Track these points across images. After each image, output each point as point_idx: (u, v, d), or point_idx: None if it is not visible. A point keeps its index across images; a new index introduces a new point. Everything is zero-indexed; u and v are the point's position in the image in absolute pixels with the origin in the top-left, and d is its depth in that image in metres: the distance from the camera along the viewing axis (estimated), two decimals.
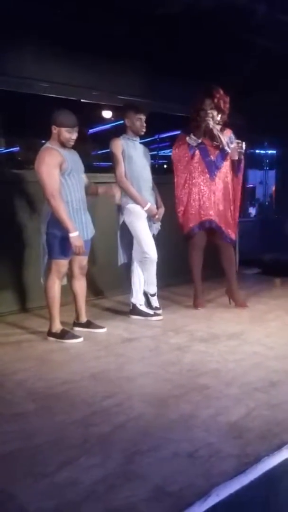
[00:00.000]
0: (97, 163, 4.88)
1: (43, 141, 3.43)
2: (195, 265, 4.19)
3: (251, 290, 4.93)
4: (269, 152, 10.85)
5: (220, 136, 4.04)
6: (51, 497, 1.68)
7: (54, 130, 3.29)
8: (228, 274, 4.25)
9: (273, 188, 11.53)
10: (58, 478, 1.78)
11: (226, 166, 4.13)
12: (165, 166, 12.13)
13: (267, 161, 11.41)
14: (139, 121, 3.82)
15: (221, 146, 4.05)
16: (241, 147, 4.08)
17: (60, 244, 3.31)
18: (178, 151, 4.12)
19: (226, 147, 4.06)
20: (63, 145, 3.32)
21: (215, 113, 3.98)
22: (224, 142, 4.05)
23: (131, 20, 4.37)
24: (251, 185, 11.30)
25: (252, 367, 2.84)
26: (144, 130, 3.87)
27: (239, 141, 4.11)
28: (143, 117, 3.82)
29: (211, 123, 3.96)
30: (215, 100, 3.98)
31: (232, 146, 4.09)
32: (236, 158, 4.13)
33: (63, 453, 1.94)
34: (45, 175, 3.21)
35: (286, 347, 3.19)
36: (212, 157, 4.08)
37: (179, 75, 5.00)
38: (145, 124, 3.85)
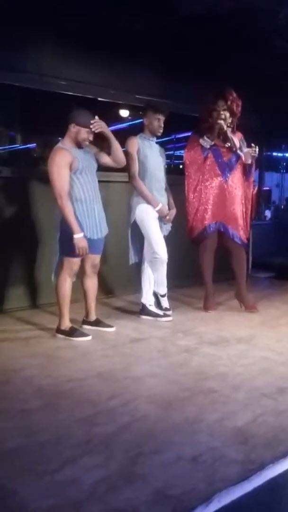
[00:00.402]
0: None
1: (59, 138, 3.44)
2: (206, 267, 4.16)
3: (263, 294, 4.88)
4: (286, 155, 10.75)
5: (234, 138, 4.01)
6: (52, 495, 1.67)
7: (73, 128, 3.30)
8: (238, 277, 4.22)
9: None
10: (60, 477, 1.78)
11: (238, 168, 4.11)
12: (181, 166, 12.10)
13: (284, 164, 11.30)
14: (157, 121, 3.80)
15: (234, 148, 4.02)
16: (255, 151, 4.05)
17: (72, 242, 3.31)
18: (191, 154, 4.09)
19: (238, 150, 4.03)
20: (78, 144, 3.33)
21: (227, 114, 3.95)
22: (238, 145, 4.02)
23: (150, 19, 4.36)
24: (267, 188, 11.20)
25: (261, 372, 2.81)
26: (161, 131, 3.86)
27: (254, 145, 4.07)
28: (161, 118, 3.81)
29: (224, 125, 3.92)
30: (228, 102, 3.95)
31: (245, 150, 4.05)
32: (249, 162, 4.11)
33: (66, 452, 1.94)
34: (55, 175, 3.23)
35: None
36: (225, 159, 4.05)
37: (196, 76, 4.97)
38: (162, 125, 3.84)
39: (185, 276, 4.83)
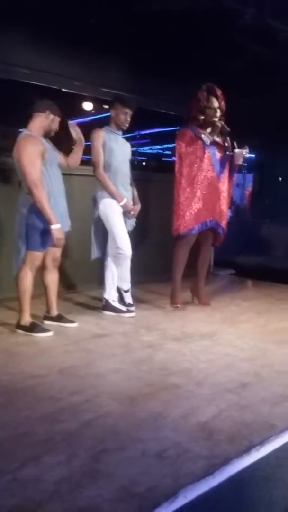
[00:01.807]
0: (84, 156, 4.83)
1: (21, 130, 3.33)
2: (180, 262, 4.12)
3: (224, 291, 4.94)
4: (248, 155, 10.96)
5: (228, 137, 4.05)
6: (13, 495, 1.61)
7: (46, 117, 3.22)
8: (200, 273, 4.25)
9: (247, 191, 11.64)
10: (21, 475, 1.71)
11: (227, 167, 4.14)
12: (143, 163, 12.09)
13: (245, 164, 11.51)
14: (124, 114, 3.76)
15: (229, 148, 4.05)
16: (247, 152, 4.12)
17: (38, 235, 3.23)
18: (190, 148, 3.97)
19: (230, 149, 4.07)
20: (48, 133, 3.26)
21: (219, 112, 3.96)
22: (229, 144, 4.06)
23: (121, 14, 4.31)
24: None
25: (224, 368, 2.83)
26: (127, 125, 3.81)
27: (246, 146, 4.13)
28: (129, 112, 3.76)
29: (222, 123, 3.94)
30: (219, 100, 3.96)
31: (237, 150, 4.08)
32: (240, 162, 4.14)
33: (27, 450, 1.87)
34: (27, 164, 3.12)
35: (257, 349, 3.19)
36: (219, 157, 4.06)
37: (162, 72, 4.96)
38: (129, 120, 3.79)
39: (149, 272, 4.82)
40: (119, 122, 3.78)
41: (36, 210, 3.17)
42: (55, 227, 3.16)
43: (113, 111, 3.79)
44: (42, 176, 3.19)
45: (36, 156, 3.14)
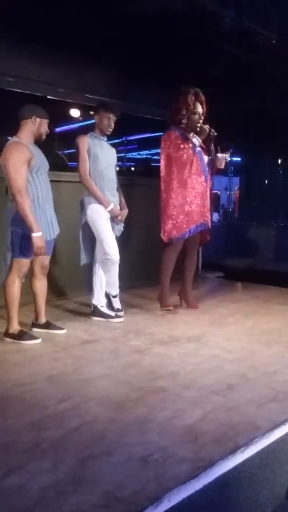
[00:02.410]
0: (71, 163, 4.86)
1: (9, 138, 3.34)
2: (169, 267, 4.13)
3: (212, 294, 4.96)
4: (234, 159, 11.03)
5: (212, 142, 4.08)
6: None
7: (33, 122, 3.23)
8: (187, 276, 4.28)
9: (235, 195, 11.72)
10: (6, 484, 1.72)
11: (210, 170, 4.19)
12: (132, 168, 12.13)
13: (232, 168, 11.59)
14: (107, 120, 3.77)
15: (213, 152, 4.09)
16: (229, 156, 4.17)
17: (23, 243, 3.23)
18: (180, 151, 3.94)
19: (213, 153, 4.11)
20: (38, 138, 3.27)
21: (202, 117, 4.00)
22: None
23: (102, 21, 4.34)
24: (216, 192, 11.46)
25: (211, 370, 2.84)
26: (110, 130, 3.82)
27: (228, 151, 4.17)
28: (112, 117, 3.78)
29: (208, 126, 3.97)
30: (203, 105, 3.99)
31: (220, 155, 4.11)
32: (222, 167, 4.18)
33: (13, 458, 1.88)
34: (12, 170, 3.13)
35: (244, 351, 3.21)
36: (206, 160, 4.10)
37: (147, 78, 5.00)
38: (112, 125, 3.81)
39: (137, 277, 4.83)
40: (102, 127, 3.80)
41: (19, 217, 3.17)
42: (36, 235, 3.16)
43: (97, 116, 3.81)
44: (28, 183, 3.20)
45: (22, 163, 3.15)
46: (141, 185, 5.12)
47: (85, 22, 4.36)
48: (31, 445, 1.98)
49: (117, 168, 4.02)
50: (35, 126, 3.25)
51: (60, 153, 5.82)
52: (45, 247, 3.23)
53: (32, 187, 3.23)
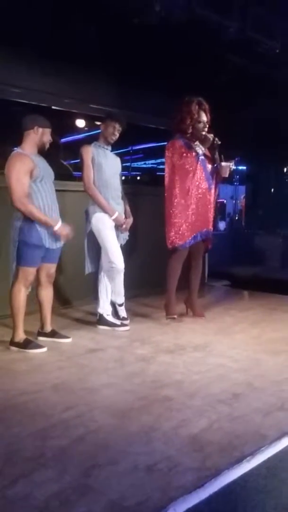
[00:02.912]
0: (76, 173, 4.91)
1: (15, 148, 3.37)
2: (174, 275, 4.13)
3: (218, 302, 4.94)
4: (240, 167, 11.05)
5: (217, 150, 4.09)
6: None
7: (35, 132, 3.26)
8: (193, 284, 4.27)
9: (242, 204, 11.72)
10: (11, 493, 1.71)
11: (214, 179, 4.19)
12: (138, 178, 12.17)
13: (237, 176, 11.60)
14: (112, 128, 3.80)
15: (218, 160, 4.10)
16: (233, 165, 4.17)
17: (29, 252, 3.25)
18: (183, 160, 3.98)
19: (217, 162, 4.12)
20: (41, 148, 3.30)
21: (207, 126, 4.01)
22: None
23: (108, 31, 4.39)
24: (222, 200, 11.47)
25: (216, 379, 2.82)
26: (114, 138, 3.84)
27: (232, 160, 4.19)
28: (117, 126, 3.80)
29: (212, 136, 3.99)
30: (207, 114, 4.01)
31: (224, 164, 4.12)
32: (226, 175, 4.19)
33: (18, 467, 1.87)
34: (14, 181, 3.17)
35: (250, 360, 3.19)
36: (209, 169, 4.11)
37: (152, 88, 5.03)
38: (117, 134, 3.83)
39: (143, 285, 4.82)
40: (106, 134, 3.82)
41: (24, 227, 3.20)
42: (57, 227, 3.28)
43: (103, 125, 3.86)
44: (33, 193, 3.23)
45: (24, 174, 3.17)
46: (147, 194, 5.13)
47: (91, 33, 4.41)
48: (35, 454, 1.97)
49: (123, 177, 4.03)
50: (37, 136, 3.28)
51: (66, 163, 5.87)
52: (68, 234, 3.35)
53: (37, 196, 3.25)
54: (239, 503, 1.80)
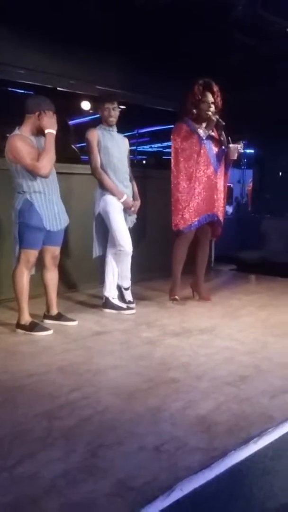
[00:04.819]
0: (82, 157, 4.84)
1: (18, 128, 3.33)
2: (179, 258, 4.11)
3: (225, 286, 4.92)
4: (247, 151, 10.92)
5: (223, 132, 4.03)
6: (10, 492, 1.61)
7: (36, 118, 3.20)
8: (199, 268, 4.25)
9: (248, 187, 11.62)
10: (17, 472, 1.71)
11: (223, 161, 4.12)
12: (144, 161, 12.06)
13: (245, 160, 11.47)
14: (107, 110, 3.75)
15: (224, 142, 4.03)
16: (241, 147, 4.11)
17: (30, 234, 3.24)
18: (186, 143, 3.94)
19: (225, 144, 4.05)
20: (42, 131, 3.24)
21: (214, 107, 3.94)
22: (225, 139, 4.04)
23: (112, 10, 4.30)
24: (229, 184, 11.39)
25: (223, 362, 2.81)
26: (113, 119, 3.78)
27: (240, 141, 4.12)
28: (110, 106, 3.74)
29: (217, 117, 3.92)
30: (215, 96, 3.94)
31: (232, 145, 4.06)
32: (235, 157, 4.13)
33: (24, 447, 1.87)
34: (21, 156, 3.13)
35: (257, 342, 3.17)
36: (215, 151, 4.04)
37: (159, 70, 4.94)
38: (113, 114, 3.75)
39: (150, 269, 4.80)
40: (104, 118, 3.78)
41: (27, 208, 3.18)
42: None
43: (99, 110, 3.82)
44: (33, 175, 3.20)
45: (28, 148, 3.15)
46: (154, 177, 5.08)
47: (96, 13, 4.32)
48: (42, 434, 1.97)
49: (129, 156, 3.99)
50: (38, 121, 3.23)
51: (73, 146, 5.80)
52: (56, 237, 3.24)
53: (37, 179, 3.22)
54: (245, 484, 1.79)
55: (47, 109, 3.21)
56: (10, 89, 4.81)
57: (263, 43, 5.18)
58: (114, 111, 3.76)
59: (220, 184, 4.14)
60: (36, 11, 3.96)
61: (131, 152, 4.11)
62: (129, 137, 4.17)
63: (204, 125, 4.00)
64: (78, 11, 4.17)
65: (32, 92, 4.61)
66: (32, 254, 3.30)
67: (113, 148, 3.80)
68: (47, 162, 3.16)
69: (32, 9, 3.93)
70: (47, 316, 3.57)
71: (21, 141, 3.18)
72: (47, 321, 3.53)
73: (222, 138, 4.06)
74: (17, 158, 3.16)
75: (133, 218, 4.00)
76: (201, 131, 3.96)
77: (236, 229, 7.89)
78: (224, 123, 3.99)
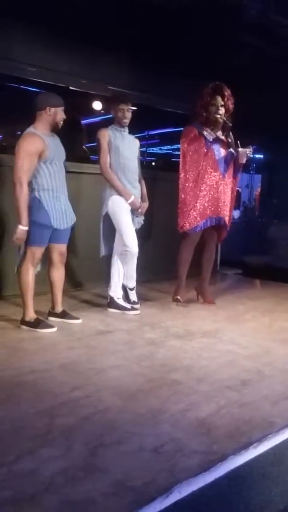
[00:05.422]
0: (92, 156, 4.87)
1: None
2: (185, 260, 4.11)
3: (230, 290, 4.91)
4: (256, 156, 10.89)
5: (231, 135, 4.02)
6: (8, 487, 1.62)
7: (49, 111, 3.21)
8: (205, 271, 4.25)
9: (256, 192, 11.60)
10: (17, 468, 1.72)
11: (231, 165, 4.12)
12: (153, 163, 12.08)
13: (254, 165, 11.45)
14: (121, 112, 3.75)
15: (233, 146, 4.03)
16: (251, 151, 4.09)
17: (38, 231, 3.25)
18: (193, 146, 3.95)
19: (234, 147, 4.05)
20: (55, 127, 3.25)
21: (223, 110, 3.94)
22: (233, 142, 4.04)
23: (126, 12, 4.32)
24: (237, 189, 11.39)
25: (225, 365, 2.81)
26: (126, 121, 3.80)
27: (250, 146, 4.11)
28: (125, 107, 3.75)
29: (228, 121, 3.92)
30: (225, 99, 3.94)
31: (241, 149, 4.05)
32: (244, 161, 4.13)
33: (24, 443, 1.88)
34: (20, 160, 3.14)
35: (259, 347, 3.17)
36: (223, 155, 4.04)
37: (171, 71, 4.95)
38: (127, 115, 3.77)
39: (155, 270, 4.81)
40: (118, 119, 3.79)
41: (35, 206, 3.19)
42: (22, 228, 3.14)
43: (112, 110, 3.82)
44: (42, 173, 3.21)
45: (31, 154, 3.15)
46: (163, 180, 5.08)
47: (109, 13, 4.34)
48: (42, 431, 1.98)
49: (139, 157, 4.00)
50: (50, 116, 3.24)
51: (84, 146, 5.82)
52: (24, 240, 3.20)
53: (47, 177, 3.23)
54: (244, 488, 1.79)
55: (56, 106, 3.22)
56: (22, 86, 4.82)
57: (273, 46, 5.17)
58: (128, 112, 3.77)
59: (228, 187, 4.14)
60: (49, 10, 3.98)
61: (141, 153, 4.10)
62: (139, 139, 4.18)
63: (212, 127, 4.00)
64: (92, 11, 4.20)
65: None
66: (38, 251, 3.31)
67: (124, 148, 3.81)
68: (17, 192, 3.12)
69: (45, 8, 3.96)
70: (52, 313, 3.58)
71: (27, 143, 3.17)
72: (51, 319, 3.54)
73: (229, 140, 4.05)
74: (15, 155, 3.17)
75: (140, 219, 4.00)
76: (207, 134, 3.96)
77: (243, 233, 7.89)
78: (231, 124, 3.97)
